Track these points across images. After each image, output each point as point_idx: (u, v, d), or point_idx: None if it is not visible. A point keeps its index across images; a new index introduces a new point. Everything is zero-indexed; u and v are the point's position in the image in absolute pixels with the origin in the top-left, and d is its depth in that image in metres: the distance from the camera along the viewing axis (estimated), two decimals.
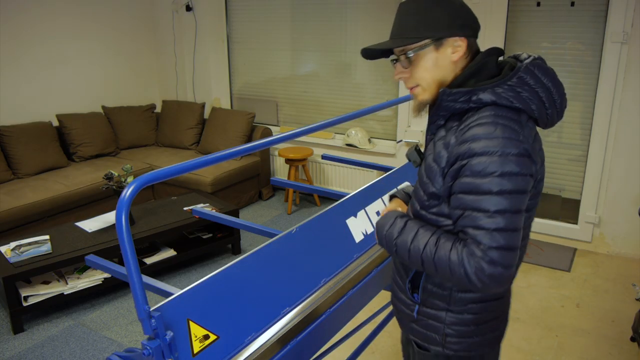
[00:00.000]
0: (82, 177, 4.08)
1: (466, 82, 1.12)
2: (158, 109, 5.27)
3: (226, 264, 1.31)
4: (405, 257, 1.14)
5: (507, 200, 1.01)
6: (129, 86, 5.22)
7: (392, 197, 1.43)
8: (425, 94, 1.17)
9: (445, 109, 1.13)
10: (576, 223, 3.78)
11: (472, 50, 1.16)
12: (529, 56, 1.14)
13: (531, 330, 2.80)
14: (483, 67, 1.13)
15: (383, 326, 2.15)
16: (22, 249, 2.97)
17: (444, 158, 1.09)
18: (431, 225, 1.16)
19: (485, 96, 1.08)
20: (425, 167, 1.16)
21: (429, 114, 1.21)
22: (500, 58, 1.20)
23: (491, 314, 1.25)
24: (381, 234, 1.20)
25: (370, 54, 1.20)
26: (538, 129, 1.19)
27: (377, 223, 1.24)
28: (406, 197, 1.38)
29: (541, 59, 1.14)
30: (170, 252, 3.45)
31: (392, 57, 1.20)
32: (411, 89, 1.19)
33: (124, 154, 4.80)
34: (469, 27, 1.13)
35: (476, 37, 1.17)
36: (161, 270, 3.49)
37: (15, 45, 4.26)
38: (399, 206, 1.35)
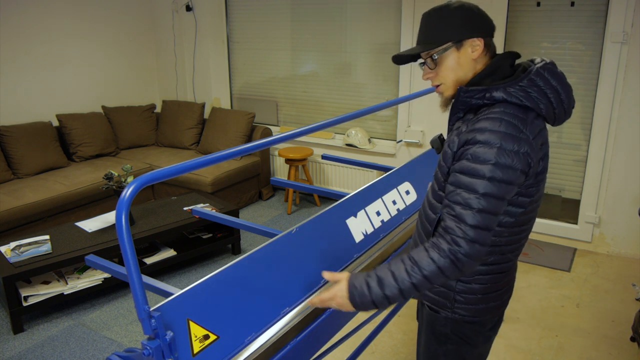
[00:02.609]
0: (82, 177, 4.08)
1: (482, 80, 1.27)
2: (158, 109, 5.27)
3: (226, 264, 1.31)
4: (402, 298, 1.23)
5: (495, 187, 1.15)
6: (129, 86, 5.22)
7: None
8: (449, 90, 1.32)
9: (463, 104, 1.28)
10: (576, 223, 3.78)
11: (491, 49, 1.31)
12: (542, 60, 1.28)
13: (531, 330, 2.80)
14: (498, 69, 1.28)
15: (383, 326, 2.15)
16: (22, 249, 2.97)
17: (455, 143, 1.23)
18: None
19: (498, 94, 1.22)
20: (443, 152, 1.30)
21: (450, 109, 1.36)
22: (518, 60, 1.34)
23: (497, 285, 1.39)
24: (371, 304, 1.24)
25: (400, 59, 1.34)
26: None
27: (355, 304, 1.25)
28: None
29: (552, 64, 1.27)
30: (170, 252, 3.45)
31: (420, 61, 1.36)
32: (437, 87, 1.35)
33: (124, 154, 4.80)
34: (484, 28, 1.29)
35: (492, 36, 1.31)
36: (161, 270, 3.49)
37: (15, 45, 4.26)
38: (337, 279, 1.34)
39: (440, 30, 1.28)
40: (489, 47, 1.31)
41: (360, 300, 1.24)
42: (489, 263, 1.35)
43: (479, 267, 1.34)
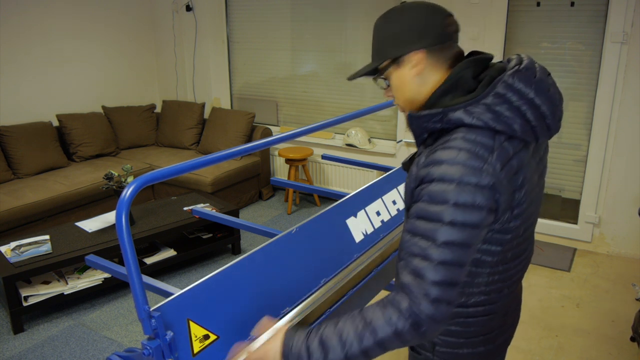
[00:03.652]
0: (82, 177, 4.08)
1: (440, 99, 1.06)
2: (158, 109, 5.27)
3: (226, 264, 1.31)
4: None
5: (457, 232, 0.95)
6: (129, 86, 5.22)
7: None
8: (406, 108, 1.15)
9: (420, 129, 1.08)
10: (576, 223, 3.78)
11: (447, 58, 1.08)
12: (517, 64, 1.04)
13: (531, 330, 2.80)
14: (459, 82, 1.05)
15: None
16: (22, 249, 2.97)
17: (413, 177, 1.05)
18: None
19: (456, 117, 1.01)
20: (405, 184, 1.12)
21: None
22: (494, 60, 1.13)
23: (485, 328, 1.20)
24: None
25: (354, 77, 1.19)
26: None
27: None
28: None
29: (528, 68, 1.03)
30: (170, 252, 3.45)
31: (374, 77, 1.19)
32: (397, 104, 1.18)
33: (124, 154, 4.80)
34: (427, 36, 1.06)
35: (444, 42, 1.07)
36: (161, 270, 3.49)
37: (15, 45, 4.26)
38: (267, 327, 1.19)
39: (379, 47, 1.12)
40: (440, 57, 1.08)
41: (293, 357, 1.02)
42: (469, 305, 1.16)
43: (456, 310, 1.14)
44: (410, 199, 1.05)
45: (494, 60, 1.13)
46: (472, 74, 1.06)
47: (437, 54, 1.07)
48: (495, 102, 0.99)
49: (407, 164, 1.20)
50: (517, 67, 1.02)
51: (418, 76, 1.08)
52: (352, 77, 1.19)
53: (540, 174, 1.17)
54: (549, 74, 1.08)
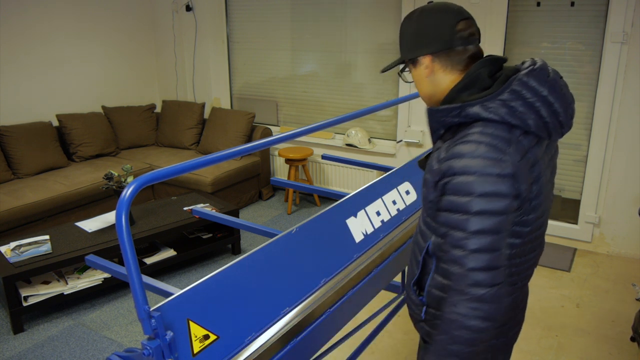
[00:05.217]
0: (82, 177, 4.08)
1: (458, 95, 1.12)
2: (158, 109, 5.27)
3: (226, 264, 1.31)
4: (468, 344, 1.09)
5: (486, 221, 1.01)
6: (129, 86, 5.22)
7: None
8: (425, 102, 1.25)
9: (438, 124, 1.15)
10: (576, 223, 3.78)
11: (459, 60, 1.15)
12: (530, 65, 1.11)
13: (531, 330, 2.80)
14: (476, 80, 1.12)
15: (383, 326, 2.15)
16: (22, 249, 2.97)
17: (435, 171, 1.10)
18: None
19: (474, 111, 1.07)
20: (424, 178, 1.18)
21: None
22: (506, 63, 1.19)
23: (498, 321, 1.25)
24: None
25: (386, 69, 1.31)
26: None
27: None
28: None
29: (542, 69, 1.10)
30: (170, 252, 3.45)
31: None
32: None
33: (124, 154, 4.80)
34: (434, 43, 1.15)
35: (452, 47, 1.14)
36: (161, 270, 3.49)
37: (15, 45, 4.26)
38: None
39: (401, 46, 1.23)
40: (447, 62, 1.15)
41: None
42: None
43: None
44: (434, 191, 1.11)
45: None
46: (488, 73, 1.13)
47: (445, 58, 1.15)
48: (510, 98, 1.05)
49: (423, 162, 1.26)
50: (531, 67, 1.09)
51: (429, 77, 1.18)
52: (385, 70, 1.31)
53: (552, 171, 1.23)
54: (561, 77, 1.16)
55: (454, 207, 1.04)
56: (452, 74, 1.16)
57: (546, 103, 1.07)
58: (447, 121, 1.12)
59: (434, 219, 1.16)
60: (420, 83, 1.21)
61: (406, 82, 1.29)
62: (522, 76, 1.07)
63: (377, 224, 1.82)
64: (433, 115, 1.14)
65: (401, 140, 4.32)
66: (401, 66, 1.28)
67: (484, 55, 1.18)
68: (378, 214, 1.84)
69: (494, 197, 1.01)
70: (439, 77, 1.17)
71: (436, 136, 1.19)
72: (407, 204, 2.00)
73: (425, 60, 1.16)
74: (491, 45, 3.62)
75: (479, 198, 1.00)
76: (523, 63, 1.14)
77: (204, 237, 3.68)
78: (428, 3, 1.20)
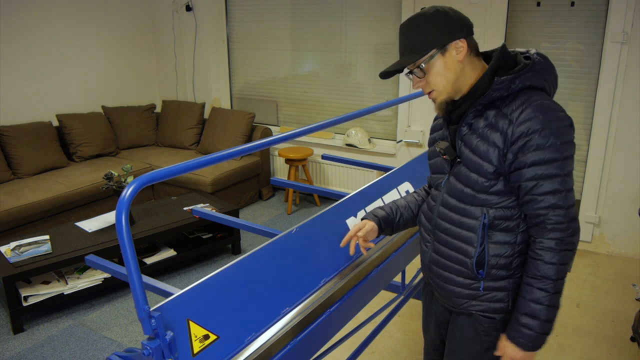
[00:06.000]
0: (82, 177, 4.08)
1: (496, 73, 1.27)
2: (158, 109, 5.27)
3: (226, 264, 1.31)
4: (556, 310, 1.35)
5: (570, 163, 1.22)
6: (129, 86, 5.22)
7: (363, 219, 1.56)
8: (442, 95, 1.31)
9: (486, 98, 1.26)
10: None
11: (473, 47, 1.31)
12: (528, 49, 1.32)
13: None
14: (505, 60, 1.28)
15: (383, 326, 2.15)
16: (22, 249, 2.97)
17: (499, 140, 1.23)
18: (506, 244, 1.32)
19: (524, 82, 1.24)
20: (476, 154, 1.28)
21: (450, 111, 1.34)
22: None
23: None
24: (540, 336, 1.32)
25: (387, 75, 1.32)
26: None
27: (529, 347, 1.31)
28: (375, 219, 1.53)
29: (537, 52, 1.30)
30: (170, 252, 3.45)
31: (406, 71, 1.34)
32: (429, 93, 1.34)
33: (124, 154, 4.80)
34: (464, 29, 1.28)
35: (472, 34, 1.31)
36: (161, 270, 3.49)
37: (15, 45, 4.26)
38: (370, 227, 1.50)
39: (422, 39, 1.27)
40: (472, 46, 1.31)
41: (532, 343, 1.29)
42: (520, 242, 1.31)
43: (508, 250, 1.32)
44: (500, 160, 1.24)
45: None
46: (510, 54, 1.30)
47: (472, 43, 1.30)
48: (539, 70, 1.26)
49: (450, 149, 1.35)
50: (534, 50, 1.30)
51: (461, 62, 1.28)
52: (387, 73, 1.31)
53: None
54: None
55: (542, 160, 1.19)
56: (476, 58, 1.31)
57: (554, 74, 1.31)
58: (492, 95, 1.25)
59: (491, 190, 1.28)
60: (448, 69, 1.28)
61: (419, 77, 1.31)
62: (537, 55, 1.27)
63: None
64: (498, 85, 1.24)
65: (401, 140, 4.32)
66: (406, 70, 1.33)
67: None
68: None
69: (571, 143, 1.22)
70: (469, 60, 1.29)
71: (472, 116, 1.29)
72: None
73: (461, 44, 1.27)
74: (491, 45, 3.58)
75: (562, 145, 1.19)
76: (519, 50, 1.34)
77: (204, 237, 3.68)
78: (422, 9, 1.31)
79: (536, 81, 1.25)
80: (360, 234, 1.48)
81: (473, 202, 1.31)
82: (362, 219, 1.55)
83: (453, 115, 1.35)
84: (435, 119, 1.51)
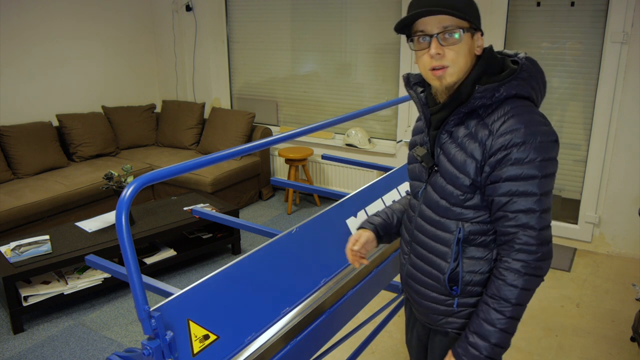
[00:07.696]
0: (82, 177, 4.08)
1: (480, 78, 1.18)
2: (158, 109, 5.27)
3: (226, 264, 1.31)
4: (510, 336, 1.19)
5: (548, 182, 1.13)
6: (129, 86, 5.22)
7: (360, 228, 1.45)
8: (454, 77, 1.18)
9: (468, 106, 1.16)
10: (576, 223, 3.78)
11: None
12: (516, 53, 1.22)
13: (531, 330, 2.80)
14: (491, 63, 1.19)
15: (383, 326, 2.15)
16: (22, 249, 2.97)
17: (478, 152, 1.15)
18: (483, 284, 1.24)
19: (509, 90, 1.15)
20: (453, 164, 1.19)
21: (429, 116, 1.26)
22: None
23: None
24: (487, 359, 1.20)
25: (403, 23, 1.17)
26: None
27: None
28: (372, 227, 1.42)
29: (526, 55, 1.21)
30: (170, 252, 3.45)
31: (420, 33, 1.16)
32: (440, 69, 1.16)
33: (124, 154, 4.80)
34: (480, 23, 1.20)
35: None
36: (161, 270, 3.49)
37: (15, 46, 4.26)
38: (366, 238, 1.38)
39: (468, 7, 1.15)
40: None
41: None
42: (496, 259, 1.23)
43: (484, 267, 1.23)
44: (476, 172, 1.16)
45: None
46: (496, 58, 1.21)
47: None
48: (527, 77, 1.17)
49: (428, 157, 1.27)
50: (523, 53, 1.20)
51: (471, 54, 1.18)
52: (406, 19, 1.16)
53: None
54: None
55: (520, 175, 1.11)
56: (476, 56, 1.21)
57: (543, 81, 1.22)
58: (474, 104, 1.15)
59: (466, 204, 1.20)
60: (470, 54, 1.17)
61: (442, 44, 1.14)
62: (525, 60, 1.17)
63: None
64: (480, 94, 1.14)
65: (401, 140, 4.32)
66: (421, 26, 1.17)
67: None
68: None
69: (552, 161, 1.14)
70: (473, 56, 1.19)
71: (453, 124, 1.20)
72: None
73: (480, 38, 1.19)
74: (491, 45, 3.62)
75: (542, 162, 1.11)
76: (505, 52, 1.25)
77: (204, 237, 3.68)
78: None
79: (522, 89, 1.15)
80: (355, 248, 1.36)
81: (448, 215, 1.23)
82: (357, 229, 1.44)
83: (434, 120, 1.25)
84: (417, 120, 1.40)
